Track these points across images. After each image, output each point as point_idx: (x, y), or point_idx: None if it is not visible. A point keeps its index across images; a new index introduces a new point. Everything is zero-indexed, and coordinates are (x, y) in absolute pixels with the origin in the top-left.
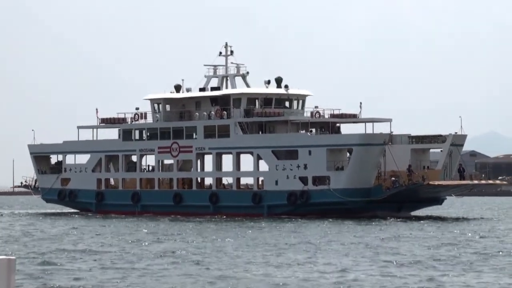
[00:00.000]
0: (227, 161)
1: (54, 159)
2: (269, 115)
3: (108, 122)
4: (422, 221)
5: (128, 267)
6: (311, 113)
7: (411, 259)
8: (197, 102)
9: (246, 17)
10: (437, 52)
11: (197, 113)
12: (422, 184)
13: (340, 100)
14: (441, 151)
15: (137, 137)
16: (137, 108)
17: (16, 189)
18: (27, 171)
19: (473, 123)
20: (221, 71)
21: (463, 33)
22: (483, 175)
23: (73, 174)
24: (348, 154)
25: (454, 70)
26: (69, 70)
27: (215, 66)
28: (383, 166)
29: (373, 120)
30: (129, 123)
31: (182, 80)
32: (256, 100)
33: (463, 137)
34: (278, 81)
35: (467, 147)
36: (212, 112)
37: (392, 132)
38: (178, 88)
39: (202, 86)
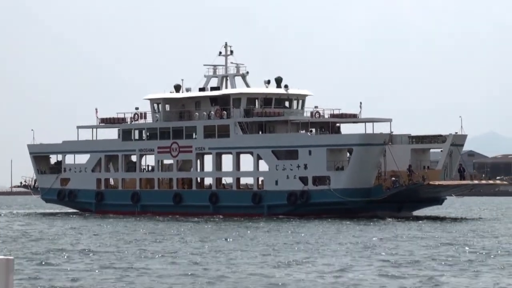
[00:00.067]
0: (227, 161)
1: (53, 159)
2: (269, 115)
3: (107, 122)
4: (420, 221)
5: (126, 267)
6: (311, 113)
7: (409, 259)
8: (196, 102)
9: (246, 17)
10: (437, 52)
11: (196, 113)
12: (422, 184)
13: (340, 100)
14: (441, 151)
15: (136, 137)
16: (136, 108)
17: (15, 189)
18: (25, 171)
19: (472, 123)
20: (220, 71)
21: (463, 33)
22: (483, 175)
23: (73, 174)
24: (348, 154)
25: (454, 70)
26: (69, 70)
27: (214, 66)
28: (383, 166)
29: (373, 120)
30: (128, 123)
31: (182, 80)
32: (256, 100)
33: (463, 137)
34: (278, 81)
35: (465, 147)
36: (212, 112)
37: (392, 132)
38: (177, 88)
39: (201, 86)
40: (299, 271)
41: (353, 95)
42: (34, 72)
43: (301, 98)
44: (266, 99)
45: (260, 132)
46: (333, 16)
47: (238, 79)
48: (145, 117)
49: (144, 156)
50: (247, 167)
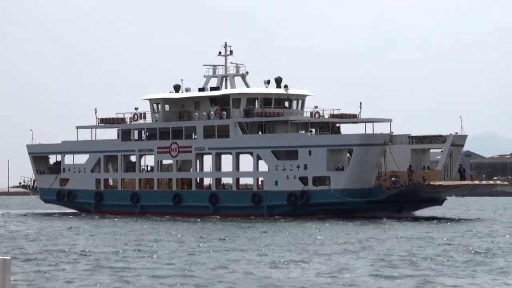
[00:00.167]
0: (227, 162)
1: (52, 159)
2: (269, 115)
3: (107, 122)
4: (418, 222)
5: (123, 268)
6: (311, 113)
7: (407, 259)
8: (196, 102)
9: (245, 17)
10: (437, 52)
11: (196, 113)
12: (422, 184)
13: (340, 100)
14: (442, 151)
15: (136, 137)
16: (136, 108)
17: (12, 190)
18: (23, 171)
19: (469, 123)
20: (220, 71)
21: (463, 33)
22: (483, 175)
23: (72, 174)
24: (348, 154)
25: (454, 70)
26: (68, 70)
27: (214, 66)
28: (383, 166)
29: (373, 120)
30: (128, 123)
31: (181, 80)
32: (256, 100)
33: (464, 137)
34: (278, 81)
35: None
36: (212, 112)
37: (392, 132)
38: (177, 88)
39: (201, 86)
40: (296, 271)
41: (353, 95)
42: (33, 72)
43: (301, 98)
44: (266, 99)
45: (260, 132)
46: (332, 16)
47: (238, 79)
48: (144, 117)
49: (144, 156)
50: (247, 168)
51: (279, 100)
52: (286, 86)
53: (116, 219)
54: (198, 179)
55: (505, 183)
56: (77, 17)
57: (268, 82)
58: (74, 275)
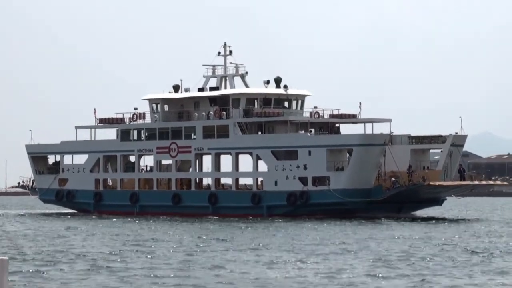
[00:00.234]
0: (226, 162)
1: (51, 159)
2: (268, 115)
3: (106, 122)
4: (416, 222)
5: (121, 268)
6: (310, 113)
7: (404, 259)
8: (195, 102)
9: (245, 17)
10: (437, 52)
11: (195, 113)
12: (422, 184)
13: (339, 100)
14: (441, 151)
15: (135, 137)
16: (135, 108)
17: (11, 190)
18: (21, 172)
19: (467, 123)
20: (220, 71)
21: (463, 33)
22: (483, 175)
23: (71, 175)
24: (347, 154)
25: (454, 70)
26: (67, 70)
27: (213, 66)
28: (383, 166)
29: (372, 121)
30: (127, 123)
31: (181, 80)
32: (255, 100)
33: (464, 137)
34: (277, 81)
35: None
36: (211, 112)
37: (392, 132)
38: (176, 88)
39: (200, 86)
40: (294, 271)
41: (352, 95)
42: (32, 72)
43: (301, 98)
44: (266, 99)
45: (260, 133)
46: (332, 16)
47: (237, 79)
48: (143, 117)
49: (143, 156)
50: (246, 168)
51: (279, 100)
52: (285, 86)
53: (114, 219)
54: (197, 179)
55: (505, 183)
56: (77, 17)
57: (268, 82)
58: (72, 275)
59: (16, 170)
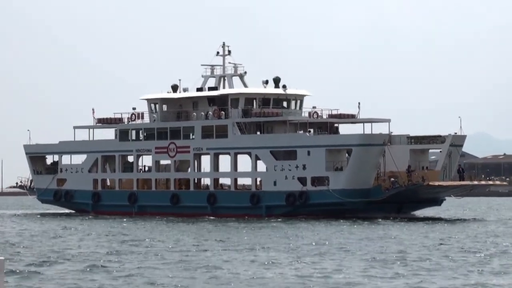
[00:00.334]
0: (225, 162)
1: (50, 159)
2: (267, 115)
3: (104, 122)
4: (413, 222)
5: (118, 268)
6: (309, 113)
7: (400, 259)
8: (194, 102)
9: (244, 17)
10: (437, 52)
11: (194, 113)
12: (422, 184)
13: (338, 100)
14: (441, 151)
15: (133, 137)
16: (134, 108)
17: (7, 190)
18: (18, 172)
19: (464, 123)
20: (218, 71)
21: (463, 33)
22: (482, 176)
23: (69, 175)
24: (347, 154)
25: (453, 70)
26: (65, 70)
27: (212, 66)
28: (382, 166)
29: (371, 121)
30: (125, 123)
31: (179, 80)
32: (254, 100)
33: (463, 137)
34: (276, 81)
35: None
36: (210, 112)
37: (391, 132)
38: (175, 88)
39: (199, 86)
40: (290, 271)
41: (351, 95)
42: (30, 71)
43: (299, 98)
44: (264, 99)
45: (258, 133)
46: (331, 16)
47: (236, 79)
48: (142, 117)
49: (141, 156)
50: (245, 168)
51: (278, 100)
52: (284, 86)
53: (110, 219)
54: (196, 179)
55: (504, 183)
56: (77, 17)
57: (267, 82)
58: (68, 275)
59: (13, 170)
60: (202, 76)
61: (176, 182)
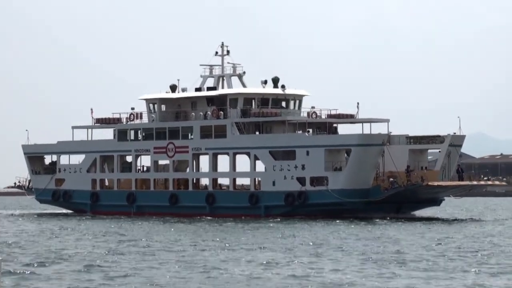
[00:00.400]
0: (223, 162)
1: (48, 159)
2: (266, 115)
3: (103, 122)
4: (411, 222)
5: (115, 268)
6: (308, 113)
7: (397, 259)
8: (193, 102)
9: (243, 17)
10: (436, 52)
11: (193, 113)
12: (421, 185)
13: (337, 100)
14: (440, 151)
15: (132, 137)
16: (132, 108)
17: (5, 190)
18: (16, 172)
19: (461, 123)
20: (217, 71)
21: (463, 33)
22: (481, 176)
23: (68, 175)
24: (346, 154)
25: (453, 70)
26: (64, 70)
27: (211, 66)
28: (381, 166)
29: (370, 121)
30: (124, 123)
31: (178, 80)
32: (253, 100)
33: (462, 137)
34: (275, 81)
35: None
36: (209, 112)
37: (390, 132)
38: (173, 88)
39: (198, 86)
40: (287, 271)
41: (350, 95)
42: (29, 71)
43: (298, 98)
44: (263, 99)
45: (257, 133)
46: (330, 16)
47: (235, 79)
48: (141, 117)
49: (140, 156)
50: (244, 168)
51: (276, 100)
52: (283, 86)
53: (107, 219)
54: (194, 179)
55: (504, 183)
56: (77, 17)
57: (265, 82)
58: (66, 275)
59: (11, 170)
60: (201, 76)
61: (174, 182)
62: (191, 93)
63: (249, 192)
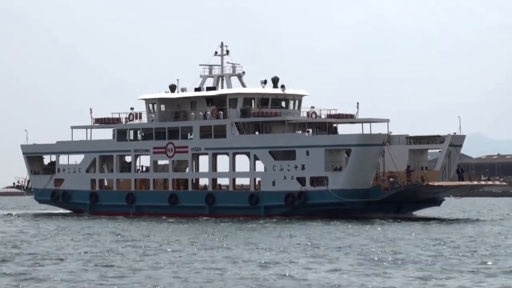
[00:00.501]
0: (223, 162)
1: (47, 159)
2: (266, 115)
3: (102, 122)
4: (409, 222)
5: (114, 268)
6: (307, 113)
7: (396, 259)
8: (192, 102)
9: (242, 17)
10: (437, 52)
11: (192, 113)
12: (421, 185)
13: (337, 100)
14: (440, 151)
15: (131, 137)
16: (131, 108)
17: (4, 190)
18: (15, 172)
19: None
20: (216, 71)
21: (463, 33)
22: (482, 176)
23: (67, 175)
24: (345, 154)
25: (454, 70)
26: (63, 70)
27: (210, 66)
28: (381, 166)
29: (370, 121)
30: (123, 123)
31: (177, 80)
32: (253, 100)
33: (462, 137)
34: (275, 81)
35: None
36: (208, 112)
37: (390, 132)
38: (173, 88)
39: (197, 86)
40: (286, 271)
41: (350, 95)
42: (29, 71)
43: (298, 98)
44: (263, 99)
45: (257, 133)
46: (330, 16)
47: (234, 79)
48: (140, 117)
49: (139, 156)
50: (243, 168)
51: (276, 100)
52: (283, 86)
53: (105, 219)
54: (194, 179)
55: (504, 183)
56: (77, 17)
57: (265, 82)
58: (63, 275)
59: (10, 170)
60: (200, 76)
61: (174, 182)
62: (191, 93)
63: (249, 192)
